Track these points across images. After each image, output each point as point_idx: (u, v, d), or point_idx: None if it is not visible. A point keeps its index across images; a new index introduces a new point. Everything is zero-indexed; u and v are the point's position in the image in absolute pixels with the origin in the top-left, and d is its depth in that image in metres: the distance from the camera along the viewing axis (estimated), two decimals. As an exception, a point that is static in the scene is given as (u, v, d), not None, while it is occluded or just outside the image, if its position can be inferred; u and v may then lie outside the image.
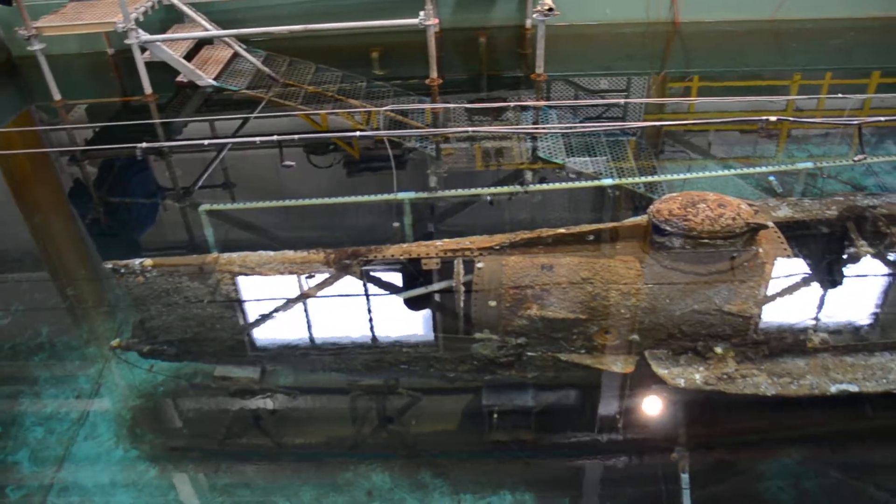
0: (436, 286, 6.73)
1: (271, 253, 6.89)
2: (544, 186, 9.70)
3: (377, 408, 7.22)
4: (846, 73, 14.17)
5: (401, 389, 7.19)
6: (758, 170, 10.23)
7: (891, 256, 6.90)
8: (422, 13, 11.61)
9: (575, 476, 6.60)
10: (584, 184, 9.69)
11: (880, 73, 13.89)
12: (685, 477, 6.12)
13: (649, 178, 9.74)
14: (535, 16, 12.31)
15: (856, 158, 7.35)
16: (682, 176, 9.85)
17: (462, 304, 6.32)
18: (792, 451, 6.64)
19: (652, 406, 6.60)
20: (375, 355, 6.64)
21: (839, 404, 6.08)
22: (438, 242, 6.71)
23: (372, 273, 6.99)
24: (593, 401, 6.95)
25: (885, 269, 7.10)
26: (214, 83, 12.53)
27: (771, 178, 10.25)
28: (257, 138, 8.00)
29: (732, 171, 10.30)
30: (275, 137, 7.38)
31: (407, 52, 13.64)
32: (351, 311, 7.01)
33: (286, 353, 6.82)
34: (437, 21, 12.17)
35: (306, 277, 6.88)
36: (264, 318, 6.96)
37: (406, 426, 7.01)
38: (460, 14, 14.77)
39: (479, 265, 6.33)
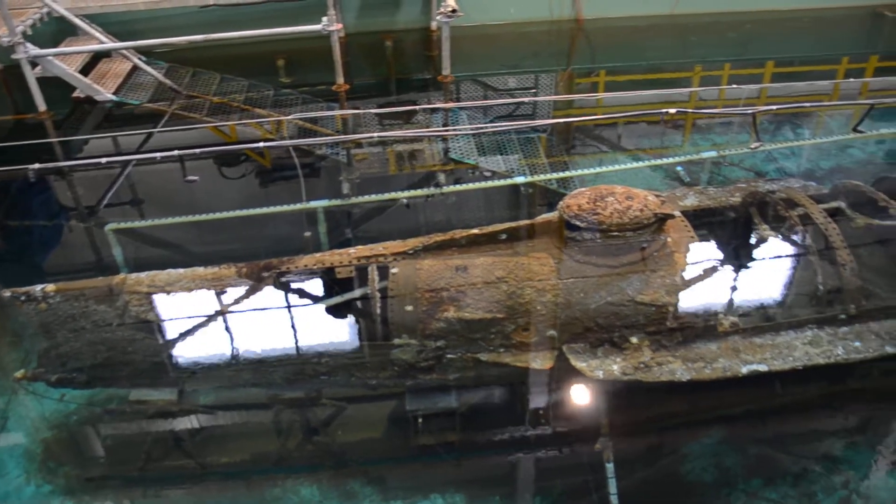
0: (351, 294, 6.65)
1: (181, 270, 6.68)
2: (458, 187, 9.70)
3: (301, 420, 7.12)
4: (744, 64, 14.68)
5: (324, 400, 7.10)
6: (666, 160, 10.48)
7: (791, 239, 7.15)
8: (325, 19, 11.48)
9: (504, 473, 6.64)
10: (497, 183, 9.75)
11: (774, 63, 14.44)
12: (610, 466, 6.22)
13: (561, 174, 9.86)
14: (438, 18, 12.33)
15: (752, 146, 7.61)
16: (593, 170, 10.01)
17: (379, 311, 6.26)
18: (711, 431, 6.84)
19: (573, 399, 6.68)
20: (295, 368, 6.52)
21: (751, 384, 6.26)
22: (352, 250, 6.62)
23: (286, 285, 6.85)
24: (516, 398, 7.00)
25: (787, 251, 7.36)
26: (114, 98, 12.09)
27: (678, 168, 10.53)
28: (158, 154, 7.75)
29: (642, 163, 10.52)
30: (176, 152, 7.15)
31: (313, 59, 13.46)
32: (267, 325, 6.87)
33: (204, 372, 6.63)
34: (340, 26, 12.06)
35: (219, 293, 6.70)
36: (178, 337, 6.75)
37: (332, 436, 6.93)
38: (365, 18, 14.67)
39: (394, 270, 6.28)
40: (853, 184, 7.61)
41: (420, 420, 6.43)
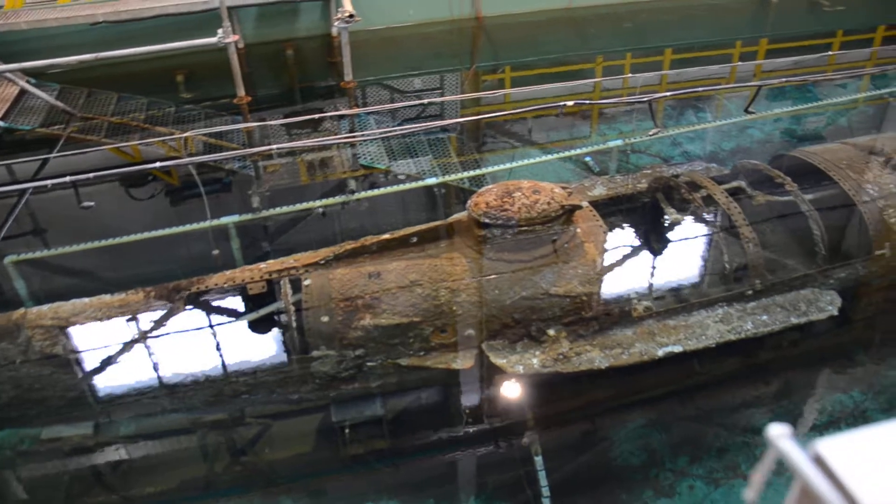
0: (265, 310, 6.52)
1: (86, 300, 6.42)
2: (371, 193, 9.63)
3: (227, 442, 6.97)
4: (643, 53, 15.05)
5: (248, 419, 6.97)
6: (574, 152, 10.64)
7: (697, 220, 7.34)
8: (220, 31, 11.23)
9: (436, 475, 6.64)
10: (409, 186, 9.72)
11: (672, 51, 14.85)
12: (539, 459, 6.27)
13: (472, 173, 9.90)
14: (337, 23, 12.23)
15: (651, 133, 7.78)
16: (504, 166, 10.07)
17: (294, 324, 6.15)
18: (636, 415, 6.97)
19: (497, 396, 6.71)
20: (214, 389, 6.35)
21: (671, 364, 6.39)
22: (263, 265, 6.49)
23: (197, 305, 6.68)
24: (442, 400, 7.00)
25: (694, 233, 7.56)
26: (2, 123, 11.56)
27: (587, 158, 10.71)
28: (48, 181, 7.42)
29: (552, 156, 10.65)
30: (68, 178, 6.87)
31: (214, 72, 13.16)
32: (181, 348, 6.68)
33: (119, 402, 6.41)
34: (237, 38, 11.82)
35: (128, 320, 6.47)
36: (89, 369, 6.50)
37: (259, 455, 6.81)
38: (264, 28, 14.42)
39: (307, 282, 6.18)
40: (751, 163, 7.87)
41: (347, 430, 6.36)
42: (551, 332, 6.10)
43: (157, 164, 7.01)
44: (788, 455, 1.11)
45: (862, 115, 12.53)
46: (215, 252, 7.87)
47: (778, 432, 1.15)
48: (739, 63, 13.86)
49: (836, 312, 6.65)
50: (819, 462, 1.13)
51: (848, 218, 7.31)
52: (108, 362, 6.50)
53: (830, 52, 13.22)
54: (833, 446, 1.15)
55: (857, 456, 1.12)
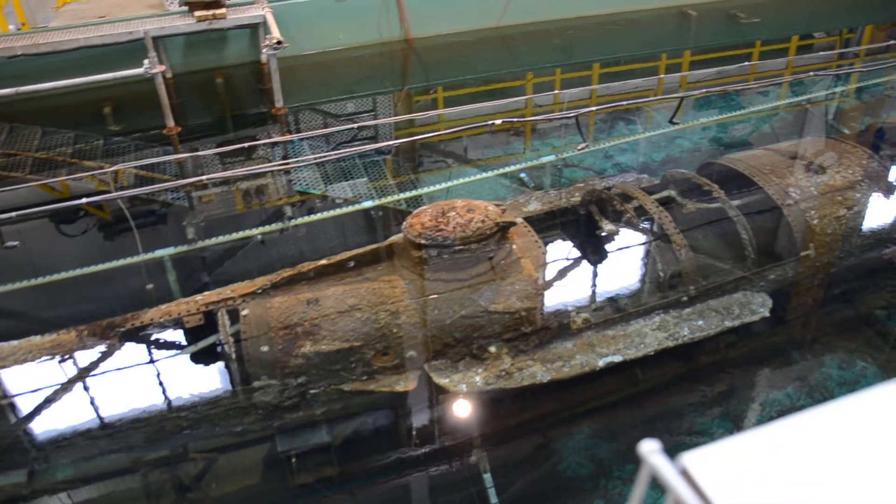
0: (204, 342, 6.41)
1: (14, 343, 6.22)
2: (309, 218, 9.57)
3: (171, 480, 6.79)
4: (572, 68, 15.33)
5: (192, 455, 6.81)
6: (509, 168, 10.74)
7: (630, 231, 7.48)
8: (146, 62, 11.06)
9: (386, 499, 6.58)
10: (346, 210, 9.67)
11: (600, 65, 15.17)
12: (488, 476, 6.27)
13: (409, 194, 9.91)
14: (265, 51, 12.17)
15: (579, 147, 7.92)
16: (440, 186, 10.11)
17: (234, 356, 6.06)
18: (582, 426, 7.03)
19: (443, 416, 6.70)
20: (154, 426, 6.21)
21: (613, 373, 6.48)
22: (199, 297, 6.38)
23: (133, 342, 6.52)
24: (388, 423, 6.96)
25: (627, 243, 7.70)
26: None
27: (522, 174, 10.82)
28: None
29: (487, 174, 10.73)
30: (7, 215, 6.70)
31: (142, 103, 12.90)
32: (118, 386, 6.51)
33: (55, 446, 6.20)
34: (163, 68, 11.65)
35: (61, 360, 6.29)
36: (21, 414, 6.29)
37: (206, 491, 6.66)
38: (192, 57, 14.23)
39: (244, 312, 6.09)
40: (680, 172, 8.07)
41: (294, 460, 6.27)
42: (492, 349, 6.13)
43: (84, 200, 6.85)
44: (659, 470, 1.15)
45: (783, 122, 12.96)
46: (149, 286, 7.73)
47: (649, 448, 1.20)
48: (665, 75, 14.22)
49: (767, 314, 6.85)
50: (685, 475, 1.17)
51: (774, 221, 7.54)
52: (41, 406, 6.30)
53: (748, 63, 13.65)
54: (697, 459, 1.20)
55: (718, 467, 1.16)
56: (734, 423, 7.04)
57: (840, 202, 7.48)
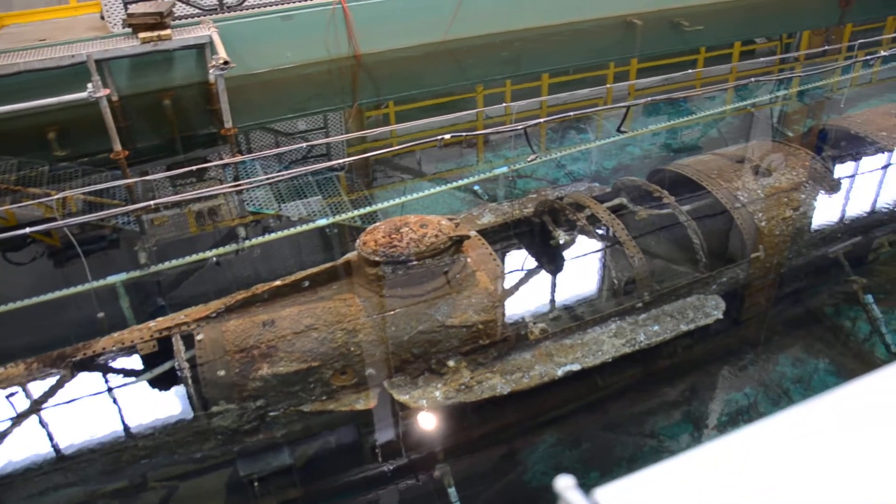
0: (159, 369, 6.28)
1: (-42, 379, 6.04)
2: (263, 239, 9.47)
3: (131, 511, 6.63)
4: (522, 79, 15.47)
5: (151, 484, 6.65)
6: (463, 181, 10.77)
7: (583, 240, 7.53)
8: (89, 86, 10.86)
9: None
10: (300, 229, 9.60)
11: (549, 76, 15.33)
12: (452, 491, 6.24)
13: (363, 210, 9.88)
14: (211, 71, 12.06)
15: (529, 159, 7.97)
16: (395, 201, 10.09)
17: (191, 381, 5.95)
18: (545, 435, 7.04)
19: (405, 432, 6.66)
20: (111, 457, 6.05)
21: (573, 381, 6.50)
22: (152, 323, 6.26)
23: (85, 372, 6.37)
24: (350, 441, 6.89)
25: (581, 252, 7.75)
26: None
27: (476, 187, 10.86)
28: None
29: (441, 188, 10.74)
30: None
31: (88, 127, 12.68)
32: (71, 418, 6.35)
33: (5, 484, 6.01)
34: (108, 91, 11.46)
35: (9, 395, 6.11)
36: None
37: (168, 521, 6.52)
38: (138, 79, 14.01)
39: (199, 337, 5.99)
40: (630, 180, 8.17)
41: (257, 483, 6.17)
42: (451, 363, 6.11)
43: (30, 229, 6.70)
44: None
45: (730, 126, 13.23)
46: (100, 315, 7.58)
47: (564, 484, 1.21)
48: (614, 84, 14.42)
49: (721, 316, 6.94)
50: None
51: (723, 224, 7.67)
52: (-11, 443, 6.11)
53: (691, 70, 13.92)
54: (609, 493, 1.20)
55: (630, 501, 1.16)
56: (694, 426, 7.12)
57: (786, 203, 7.63)
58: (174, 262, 9.01)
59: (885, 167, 8.56)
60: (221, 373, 5.86)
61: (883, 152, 8.53)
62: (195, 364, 5.96)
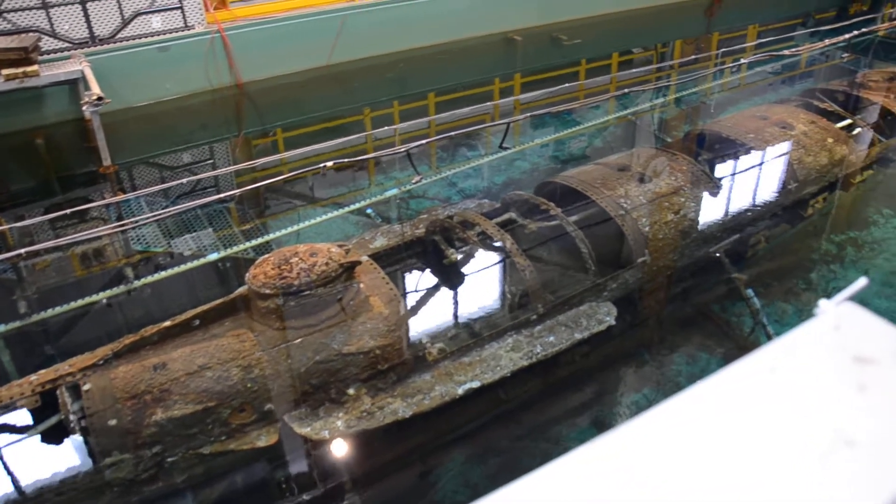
0: (44, 425, 5.96)
1: None
2: (154, 277, 9.16)
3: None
4: (408, 99, 15.57)
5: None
6: (355, 206, 10.73)
7: (475, 257, 7.62)
8: (-51, 128, 10.32)
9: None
10: (192, 265, 9.34)
11: (435, 94, 15.48)
12: (363, 522, 6.17)
13: (255, 241, 9.70)
14: (85, 107, 11.63)
15: (414, 181, 8.02)
16: (287, 230, 9.96)
17: (80, 434, 5.68)
18: (453, 454, 7.04)
19: (310, 466, 6.54)
20: (-3, 525, 5.71)
21: (475, 398, 6.53)
22: (33, 377, 5.94)
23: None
24: (253, 480, 6.70)
25: (474, 268, 7.84)
26: None
27: (368, 210, 10.83)
28: None
29: (333, 214, 10.67)
30: None
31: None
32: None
33: None
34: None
35: None
36: None
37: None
38: (6, 118, 13.23)
39: (87, 387, 5.73)
40: (517, 194, 8.32)
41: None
42: (351, 391, 6.05)
43: None
44: None
45: (614, 135, 13.66)
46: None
47: None
48: (500, 101, 14.70)
49: (613, 321, 7.13)
50: None
51: (610, 232, 7.90)
52: None
53: (572, 83, 14.35)
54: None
55: None
56: (598, 429, 7.27)
57: (667, 207, 7.92)
58: (58, 309, 8.61)
59: (755, 167, 9.03)
60: (113, 422, 5.61)
61: (751, 153, 9.00)
62: (84, 415, 5.69)
